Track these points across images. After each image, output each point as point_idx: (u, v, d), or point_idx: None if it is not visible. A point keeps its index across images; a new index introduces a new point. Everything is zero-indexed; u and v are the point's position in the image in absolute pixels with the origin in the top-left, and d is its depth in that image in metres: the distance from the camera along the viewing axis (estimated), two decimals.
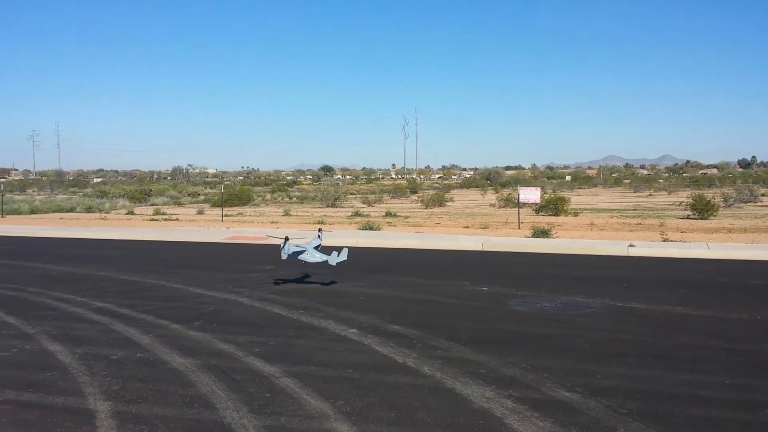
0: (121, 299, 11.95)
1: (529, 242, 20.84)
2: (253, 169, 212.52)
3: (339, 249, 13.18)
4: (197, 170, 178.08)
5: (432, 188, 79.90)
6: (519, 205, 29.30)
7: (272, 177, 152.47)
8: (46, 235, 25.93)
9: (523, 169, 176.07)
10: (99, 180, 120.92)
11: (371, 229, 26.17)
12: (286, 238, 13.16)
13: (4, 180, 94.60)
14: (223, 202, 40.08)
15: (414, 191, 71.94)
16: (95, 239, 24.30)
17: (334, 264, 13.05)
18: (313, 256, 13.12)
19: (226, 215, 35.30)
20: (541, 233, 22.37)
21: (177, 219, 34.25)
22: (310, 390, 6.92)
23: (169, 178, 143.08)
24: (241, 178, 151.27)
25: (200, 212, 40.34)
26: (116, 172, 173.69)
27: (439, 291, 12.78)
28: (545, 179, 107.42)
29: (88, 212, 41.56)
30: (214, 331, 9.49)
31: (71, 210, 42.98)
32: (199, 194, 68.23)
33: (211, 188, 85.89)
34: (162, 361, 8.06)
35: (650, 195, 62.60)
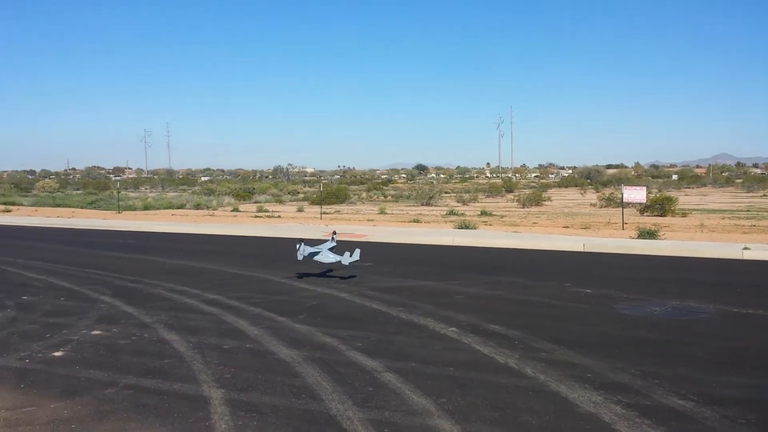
0: (230, 292, 12.52)
1: (634, 243, 20.02)
2: (349, 168, 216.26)
3: (351, 250, 13.63)
4: (297, 169, 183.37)
5: (528, 187, 78.33)
6: (622, 204, 28.19)
7: (367, 176, 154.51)
8: (159, 230, 27.54)
9: (626, 167, 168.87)
10: (206, 178, 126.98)
11: (467, 227, 26.01)
12: (301, 241, 13.99)
13: (119, 178, 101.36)
14: (322, 200, 41.08)
15: (510, 190, 70.84)
16: (204, 234, 25.56)
17: (347, 264, 13.58)
18: (327, 257, 13.78)
19: (324, 213, 36.16)
20: (647, 234, 21.43)
21: (279, 216, 35.42)
22: (412, 386, 6.99)
23: (270, 176, 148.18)
24: (338, 176, 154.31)
25: (300, 210, 41.55)
26: (222, 171, 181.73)
27: (539, 292, 12.53)
28: (650, 178, 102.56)
29: (197, 209, 43.76)
30: (318, 325, 9.77)
31: (181, 207, 45.40)
32: (298, 192, 70.31)
33: (310, 187, 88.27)
34: (270, 352, 8.39)
35: (765, 195, 58.46)
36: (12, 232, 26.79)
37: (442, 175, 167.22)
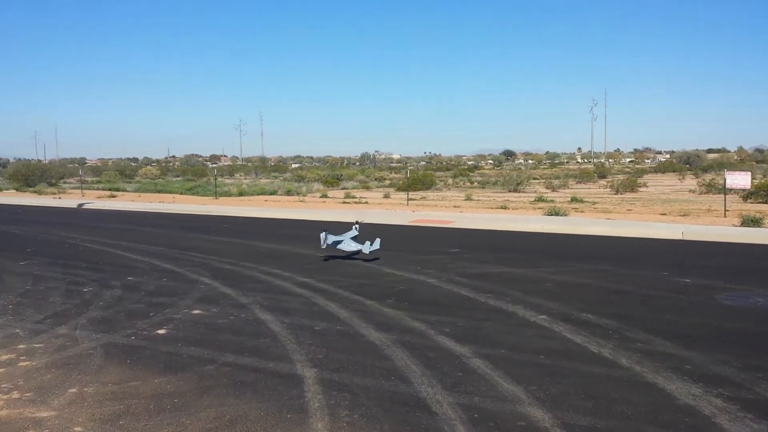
0: (320, 275, 12.83)
1: (737, 231, 18.91)
2: (435, 154, 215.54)
3: (372, 239, 14.31)
4: (383, 156, 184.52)
5: (622, 172, 75.37)
6: (725, 191, 26.66)
7: (453, 162, 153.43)
8: (253, 215, 28.51)
9: (728, 152, 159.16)
10: (296, 165, 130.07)
11: (557, 214, 25.40)
12: (325, 230, 14.71)
13: (215, 165, 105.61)
14: (408, 186, 41.22)
15: (602, 176, 68.37)
16: (295, 219, 26.24)
17: (368, 252, 14.24)
18: (350, 246, 14.54)
19: (410, 199, 36.27)
20: (752, 222, 20.20)
21: (366, 202, 35.85)
22: (502, 372, 6.94)
23: (357, 163, 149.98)
24: (424, 163, 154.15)
25: (386, 196, 41.86)
26: (311, 158, 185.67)
27: (634, 281, 12.10)
28: (754, 163, 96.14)
29: (288, 195, 44.93)
30: (406, 309, 9.86)
31: (273, 193, 46.74)
32: (384, 179, 70.75)
33: (396, 173, 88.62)
34: (360, 334, 8.55)
35: None
36: (117, 216, 28.50)
37: (530, 161, 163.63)
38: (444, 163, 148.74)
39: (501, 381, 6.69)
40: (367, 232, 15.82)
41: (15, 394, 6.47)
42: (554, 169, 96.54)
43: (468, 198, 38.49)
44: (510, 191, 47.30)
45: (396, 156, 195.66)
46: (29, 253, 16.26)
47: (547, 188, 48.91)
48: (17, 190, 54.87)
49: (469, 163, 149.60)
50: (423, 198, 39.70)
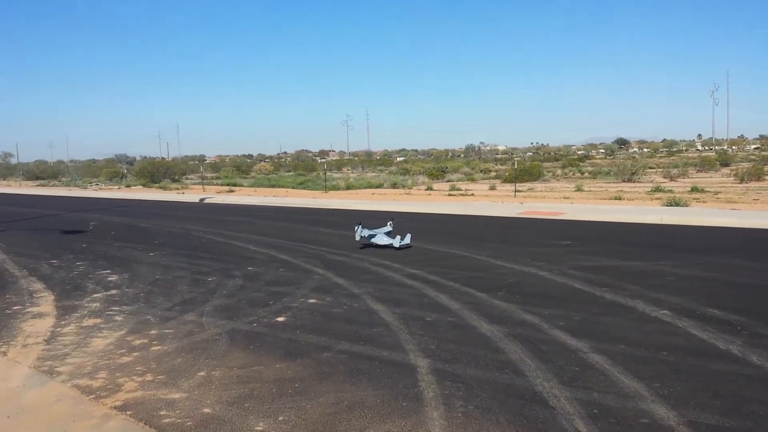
0: (429, 267, 12.90)
1: None
2: (542, 144, 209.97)
3: (403, 234, 15.46)
4: (488, 147, 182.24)
5: (747, 160, 70.18)
6: None
7: (562, 152, 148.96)
8: (361, 207, 29.06)
9: None
10: (401, 159, 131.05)
11: (677, 205, 24.11)
12: (359, 223, 16.07)
13: (324, 160, 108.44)
14: (515, 177, 40.50)
15: (725, 164, 63.99)
16: (402, 212, 26.49)
17: (398, 246, 15.16)
18: (382, 239, 15.58)
19: (518, 190, 35.62)
20: None
21: (472, 194, 35.59)
22: (621, 368, 6.72)
23: (462, 155, 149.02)
24: (531, 153, 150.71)
25: (492, 188, 41.35)
26: (416, 151, 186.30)
27: (765, 275, 11.29)
28: None
29: (393, 188, 45.43)
30: (517, 302, 9.73)
31: (379, 186, 47.42)
32: (490, 170, 69.89)
33: (501, 165, 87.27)
34: (471, 326, 8.54)
35: None
36: (235, 210, 29.96)
37: (645, 149, 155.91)
38: (552, 153, 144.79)
39: (621, 377, 6.47)
40: (470, 223, 15.72)
41: (149, 377, 6.99)
42: (672, 158, 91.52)
43: (578, 189, 37.28)
44: (624, 181, 45.33)
45: (501, 147, 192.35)
46: (157, 244, 17.45)
47: (664, 178, 46.50)
48: (144, 186, 58.95)
49: (579, 152, 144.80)
50: (530, 189, 38.87)
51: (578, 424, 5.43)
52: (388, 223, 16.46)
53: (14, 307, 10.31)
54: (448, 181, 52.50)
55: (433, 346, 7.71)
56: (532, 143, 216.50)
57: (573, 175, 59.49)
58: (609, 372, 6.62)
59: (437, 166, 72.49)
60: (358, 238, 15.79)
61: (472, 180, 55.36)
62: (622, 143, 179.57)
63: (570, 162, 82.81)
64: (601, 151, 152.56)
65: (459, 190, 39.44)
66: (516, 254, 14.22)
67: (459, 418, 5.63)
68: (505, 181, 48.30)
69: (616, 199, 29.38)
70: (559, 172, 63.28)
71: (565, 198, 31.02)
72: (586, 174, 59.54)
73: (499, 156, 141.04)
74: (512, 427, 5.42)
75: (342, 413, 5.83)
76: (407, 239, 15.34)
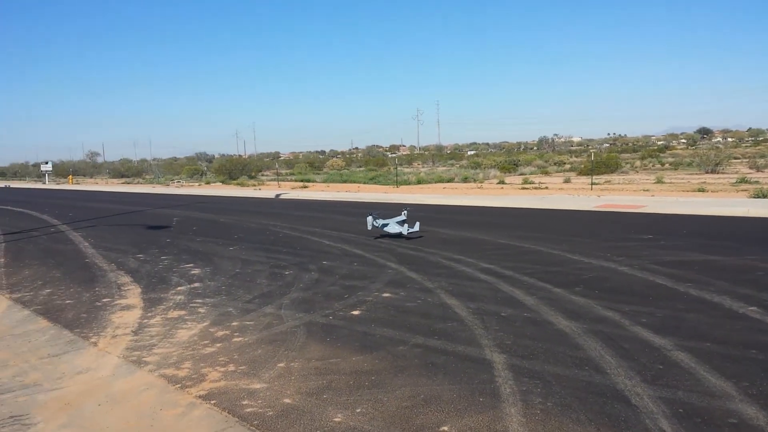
0: (503, 262, 12.76)
1: None
2: (619, 135, 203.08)
3: (412, 222, 16.59)
4: (562, 139, 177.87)
5: None
6: None
7: (640, 143, 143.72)
8: (432, 202, 29.06)
9: None
10: (472, 153, 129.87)
11: (764, 197, 22.92)
12: (371, 213, 16.99)
13: (395, 155, 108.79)
14: (591, 169, 39.43)
15: None
16: (474, 206, 26.31)
17: (407, 234, 16.34)
18: (393, 228, 16.52)
19: (594, 183, 34.66)
20: None
21: (546, 187, 34.89)
22: (708, 367, 6.45)
23: (535, 148, 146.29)
24: (607, 145, 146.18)
25: (567, 181, 40.42)
26: (487, 144, 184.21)
27: None
28: None
29: (465, 182, 45.13)
30: (596, 298, 9.49)
31: (450, 180, 47.21)
32: (564, 163, 68.33)
33: (576, 157, 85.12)
34: (548, 321, 8.40)
35: None
36: (310, 205, 30.52)
37: (729, 139, 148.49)
38: (630, 144, 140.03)
39: (707, 376, 6.22)
40: (544, 217, 15.40)
41: (231, 367, 7.23)
42: (758, 147, 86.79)
43: (659, 181, 35.94)
44: (707, 172, 43.40)
45: (576, 139, 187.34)
46: (236, 239, 18.01)
47: (750, 168, 44.23)
48: (222, 182, 60.86)
49: (659, 143, 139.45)
50: (607, 182, 37.75)
51: (662, 424, 5.26)
52: (403, 213, 17.14)
53: (104, 300, 10.88)
54: (520, 175, 51.68)
55: (509, 341, 7.63)
56: (608, 134, 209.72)
57: (653, 166, 57.39)
58: (694, 370, 6.37)
59: (509, 159, 71.43)
60: (370, 227, 16.73)
61: (546, 173, 54.28)
62: (705, 133, 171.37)
63: (649, 153, 79.92)
64: (683, 141, 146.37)
65: (532, 183, 38.76)
66: (594, 249, 13.86)
67: (538, 414, 5.56)
68: (581, 173, 47.10)
69: (699, 191, 28.17)
70: (637, 163, 61.21)
71: (644, 190, 29.98)
72: (667, 165, 57.29)
73: (573, 148, 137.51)
74: (593, 425, 5.31)
75: (418, 407, 5.86)
76: (416, 227, 16.46)
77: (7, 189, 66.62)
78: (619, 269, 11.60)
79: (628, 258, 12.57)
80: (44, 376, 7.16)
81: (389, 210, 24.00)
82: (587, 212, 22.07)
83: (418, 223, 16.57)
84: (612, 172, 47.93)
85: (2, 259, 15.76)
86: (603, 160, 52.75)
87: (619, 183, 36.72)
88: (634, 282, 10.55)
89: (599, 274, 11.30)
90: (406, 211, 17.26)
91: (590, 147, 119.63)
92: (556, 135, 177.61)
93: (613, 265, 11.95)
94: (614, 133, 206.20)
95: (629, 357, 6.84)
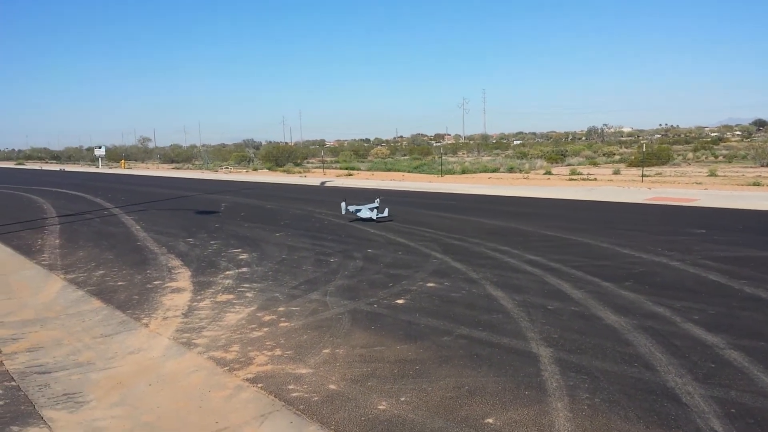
0: (550, 254, 12.60)
1: None
2: (671, 126, 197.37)
3: (382, 209, 18.16)
4: (612, 130, 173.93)
5: None
6: None
7: (693, 134, 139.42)
8: (477, 192, 28.83)
9: None
10: (518, 142, 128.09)
11: None
12: (344, 200, 18.54)
13: (440, 144, 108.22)
14: (642, 161, 38.49)
15: None
16: (520, 197, 26.01)
17: (376, 219, 17.99)
18: (365, 213, 18.19)
19: (645, 175, 33.83)
20: None
21: (594, 179, 34.22)
22: (762, 367, 6.27)
23: (583, 138, 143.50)
24: (659, 136, 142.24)
25: (616, 172, 39.53)
26: (534, 134, 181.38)
27: None
28: None
29: (510, 172, 44.58)
30: (647, 293, 9.29)
31: (495, 170, 46.70)
32: (614, 154, 66.81)
33: (626, 147, 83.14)
34: (596, 316, 8.27)
35: None
36: (354, 193, 30.64)
37: None
38: (682, 135, 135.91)
39: (761, 375, 6.04)
40: (593, 209, 15.04)
41: (278, 352, 7.34)
42: None
43: (712, 174, 34.83)
44: (762, 166, 41.86)
45: (626, 129, 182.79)
46: (283, 225, 18.23)
47: None
48: (269, 169, 61.59)
49: (713, 134, 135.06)
50: (658, 174, 36.78)
51: (714, 423, 5.13)
52: (376, 200, 18.79)
53: (155, 282, 11.17)
54: (567, 165, 50.75)
55: (556, 335, 7.54)
56: (660, 125, 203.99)
57: (706, 158, 55.63)
58: (748, 370, 6.19)
59: (556, 149, 70.24)
60: (343, 212, 18.34)
61: (594, 164, 53.15)
62: (761, 125, 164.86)
63: (702, 145, 77.49)
64: (737, 133, 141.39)
65: (580, 174, 38.03)
66: (644, 242, 13.56)
67: (585, 410, 5.49)
68: (631, 165, 46.01)
69: (754, 185, 27.22)
70: (690, 155, 59.38)
71: (697, 183, 29.13)
72: (721, 158, 55.47)
73: (623, 138, 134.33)
74: (642, 423, 5.22)
75: (463, 398, 5.86)
76: (385, 212, 18.12)
77: (63, 172, 68.90)
78: (671, 264, 11.32)
79: (680, 253, 12.25)
80: (97, 355, 7.40)
81: (428, 199, 23.94)
82: (637, 205, 21.57)
83: (387, 209, 18.25)
84: (663, 164, 46.65)
85: (57, 241, 16.33)
86: (654, 151, 51.39)
87: (670, 175, 35.73)
88: (685, 278, 10.29)
89: (650, 268, 11.06)
90: (378, 199, 18.93)
91: (641, 138, 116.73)
92: (605, 125, 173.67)
93: (665, 260, 11.67)
94: (666, 124, 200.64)
95: (680, 354, 6.69)
